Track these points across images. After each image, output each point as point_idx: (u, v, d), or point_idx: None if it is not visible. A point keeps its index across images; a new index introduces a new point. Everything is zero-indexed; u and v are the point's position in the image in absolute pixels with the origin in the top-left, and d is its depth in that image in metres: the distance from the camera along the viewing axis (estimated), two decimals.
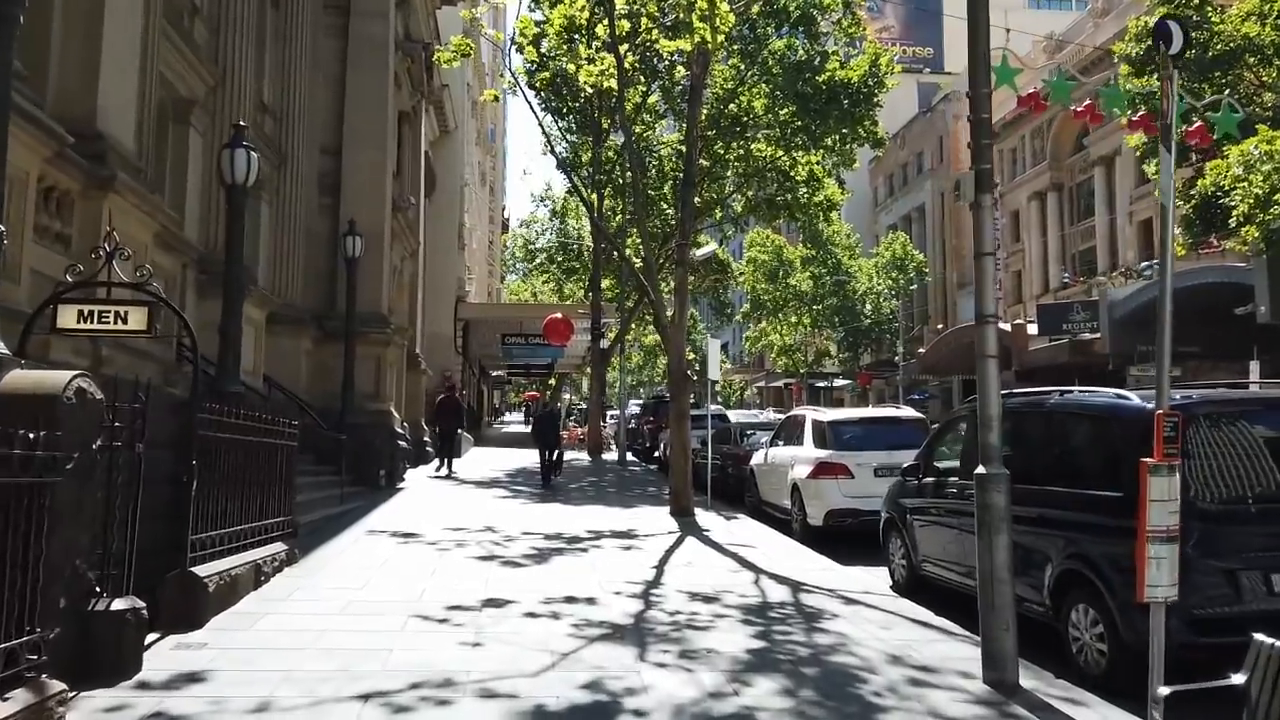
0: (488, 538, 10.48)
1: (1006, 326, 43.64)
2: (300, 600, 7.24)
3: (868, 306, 58.64)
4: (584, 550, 9.78)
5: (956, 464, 7.56)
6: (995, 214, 52.32)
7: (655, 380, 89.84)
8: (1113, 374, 37.32)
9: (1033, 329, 40.90)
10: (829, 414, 11.98)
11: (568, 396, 69.90)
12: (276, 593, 7.44)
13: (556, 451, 18.31)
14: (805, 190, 27.55)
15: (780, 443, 13.11)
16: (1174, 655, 4.50)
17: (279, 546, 8.11)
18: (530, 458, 21.20)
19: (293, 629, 6.33)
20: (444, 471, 19.28)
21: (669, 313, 13.21)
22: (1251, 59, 21.32)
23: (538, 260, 48.52)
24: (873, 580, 8.70)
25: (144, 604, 5.27)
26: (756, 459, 14.20)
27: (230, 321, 9.43)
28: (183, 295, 10.33)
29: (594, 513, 13.27)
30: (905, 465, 8.20)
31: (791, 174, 27.13)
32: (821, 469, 10.97)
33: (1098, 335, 36.70)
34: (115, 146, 8.08)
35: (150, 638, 5.55)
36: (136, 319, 6.54)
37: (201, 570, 6.37)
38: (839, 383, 67.06)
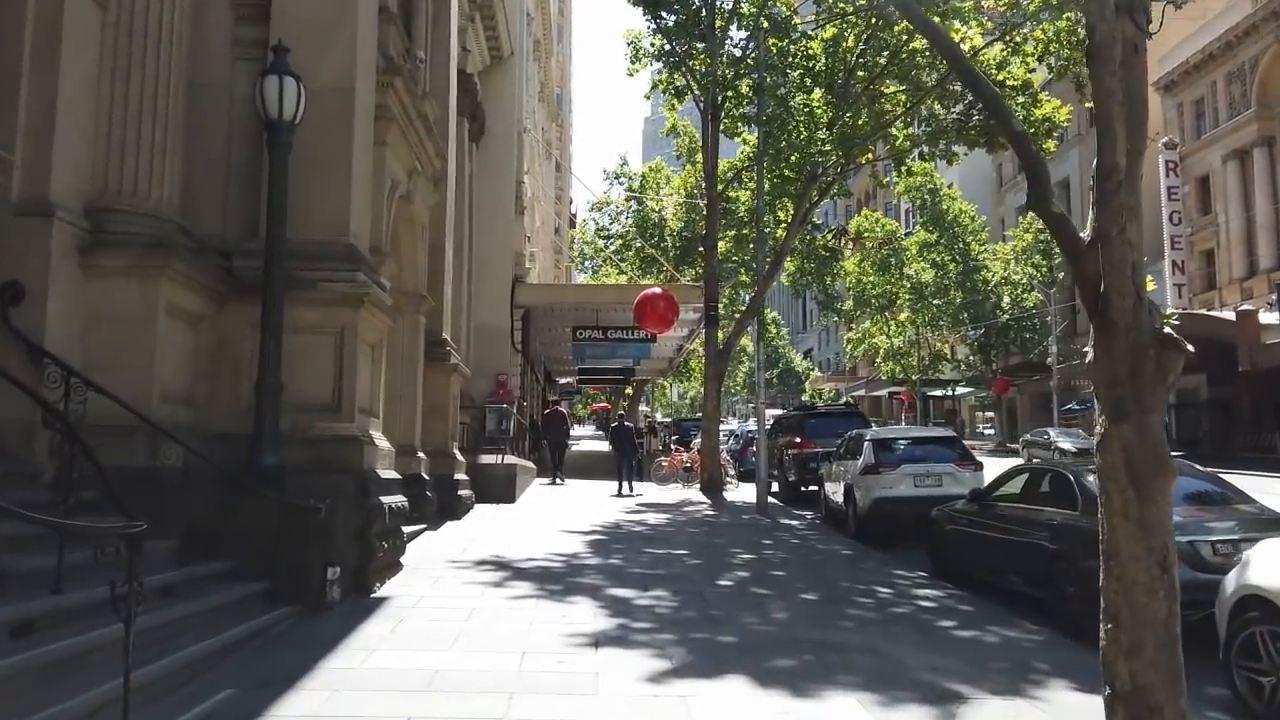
0: None
1: (1229, 315, 33.67)
2: None
3: (1004, 299, 48.91)
4: None
5: None
6: (1175, 180, 42.39)
7: (731, 391, 78.63)
8: None
9: (1267, 316, 31.05)
10: None
11: (644, 409, 61.17)
12: None
13: (635, 459, 21.12)
14: (1021, 104, 18.54)
15: None
16: None
17: None
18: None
19: None
20: (555, 480, 21.71)
21: (1119, 157, 4.37)
22: None
23: (612, 248, 40.66)
24: None
25: None
26: None
27: None
28: None
29: None
30: None
31: (1000, 78, 18.18)
32: None
33: None
34: None
35: None
36: None
37: None
38: (961, 390, 56.97)
